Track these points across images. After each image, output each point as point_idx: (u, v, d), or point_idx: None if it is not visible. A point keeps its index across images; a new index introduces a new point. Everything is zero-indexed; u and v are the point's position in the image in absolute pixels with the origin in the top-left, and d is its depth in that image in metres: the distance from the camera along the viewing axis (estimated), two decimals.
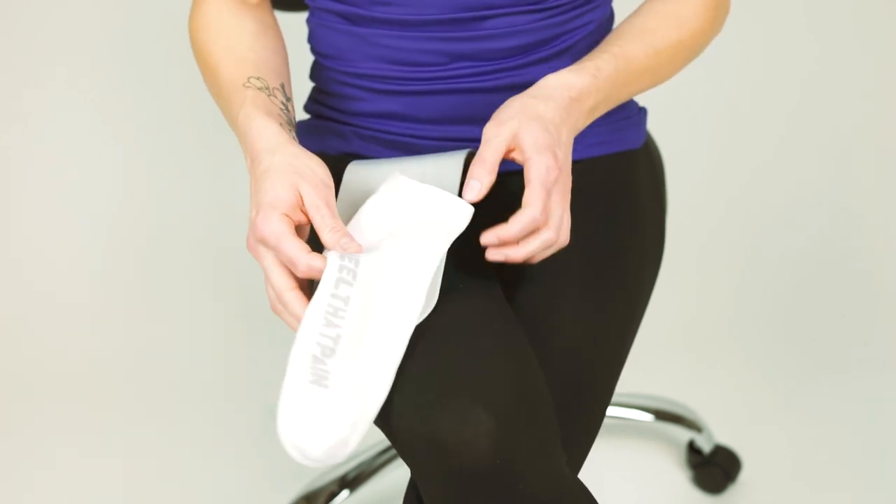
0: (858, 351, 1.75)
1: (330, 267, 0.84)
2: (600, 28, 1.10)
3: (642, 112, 1.17)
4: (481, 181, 0.88)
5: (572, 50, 1.06)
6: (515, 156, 0.90)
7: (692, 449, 1.51)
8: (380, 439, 1.41)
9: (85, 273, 1.92)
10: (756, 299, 1.86)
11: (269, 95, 0.98)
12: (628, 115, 1.14)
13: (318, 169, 0.90)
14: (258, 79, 0.99)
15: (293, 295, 0.87)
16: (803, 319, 1.82)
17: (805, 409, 1.63)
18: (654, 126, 1.25)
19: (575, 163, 1.08)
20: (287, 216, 0.86)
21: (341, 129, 1.11)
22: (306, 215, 0.88)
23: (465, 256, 0.95)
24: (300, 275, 0.85)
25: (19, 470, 1.57)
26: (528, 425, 0.83)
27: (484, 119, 1.05)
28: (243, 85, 0.99)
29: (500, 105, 0.93)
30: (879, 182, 2.00)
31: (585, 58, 0.99)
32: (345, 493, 1.40)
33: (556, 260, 0.98)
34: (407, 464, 0.88)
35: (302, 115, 1.21)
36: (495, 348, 0.86)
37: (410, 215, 0.90)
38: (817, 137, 2.03)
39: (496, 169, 0.89)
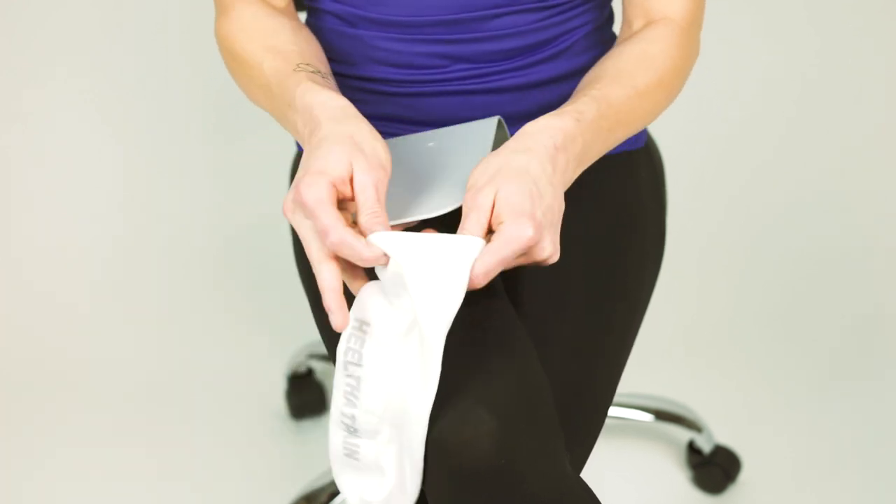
0: (858, 351, 1.75)
1: (340, 346, 0.83)
2: (599, 28, 1.10)
3: None
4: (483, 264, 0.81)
5: (571, 50, 1.06)
6: (493, 222, 0.82)
7: (692, 449, 1.51)
8: None
9: (85, 273, 1.92)
10: (756, 300, 1.86)
11: (323, 78, 0.94)
12: None
13: (378, 148, 0.85)
14: (307, 64, 0.95)
15: (324, 268, 0.82)
16: (803, 320, 1.82)
17: (805, 409, 1.63)
18: (654, 126, 1.25)
19: None
20: (333, 185, 0.81)
21: None
22: (353, 192, 0.83)
23: None
24: (328, 248, 0.81)
25: (19, 470, 1.57)
26: (530, 425, 0.83)
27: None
28: (294, 71, 0.94)
29: (479, 164, 0.86)
30: (880, 183, 2.00)
31: (565, 104, 0.93)
32: None
33: (557, 261, 0.99)
34: None
35: None
36: (497, 348, 0.86)
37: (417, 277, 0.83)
38: (818, 138, 2.02)
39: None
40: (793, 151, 2.03)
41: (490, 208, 0.82)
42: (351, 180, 0.83)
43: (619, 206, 1.08)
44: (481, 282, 0.80)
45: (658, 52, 1.01)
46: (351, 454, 0.84)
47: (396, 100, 1.06)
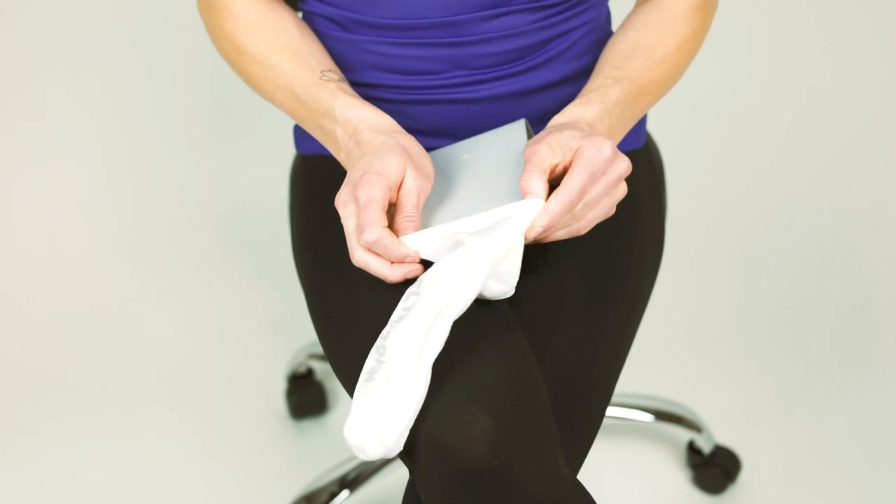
0: (858, 352, 1.75)
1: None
2: (598, 29, 1.09)
3: None
4: (534, 184, 0.87)
5: (570, 52, 1.06)
6: (564, 160, 0.88)
7: (692, 449, 1.51)
8: None
9: (84, 273, 1.92)
10: (757, 300, 1.86)
11: (348, 85, 1.01)
12: None
13: (426, 161, 0.92)
14: (331, 71, 1.01)
15: (360, 254, 0.89)
16: (804, 320, 1.82)
17: (805, 409, 1.63)
18: (654, 127, 1.25)
19: None
20: (388, 188, 0.88)
21: None
22: (398, 196, 0.90)
23: None
24: (362, 242, 0.87)
25: (18, 470, 1.57)
26: (526, 426, 0.83)
27: (477, 131, 1.05)
28: (320, 79, 1.00)
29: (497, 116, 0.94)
30: (880, 183, 2.00)
31: (587, 87, 0.99)
32: (345, 493, 1.40)
33: (556, 260, 0.99)
34: (405, 464, 0.88)
35: None
36: (493, 349, 0.86)
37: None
38: (818, 138, 2.02)
39: (547, 172, 0.88)
40: (794, 152, 2.03)
41: (553, 147, 0.87)
42: (399, 185, 0.89)
43: (619, 207, 1.08)
44: (575, 201, 0.86)
45: (677, 18, 1.04)
46: (370, 376, 0.83)
47: (393, 107, 1.06)
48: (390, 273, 0.89)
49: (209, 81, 1.98)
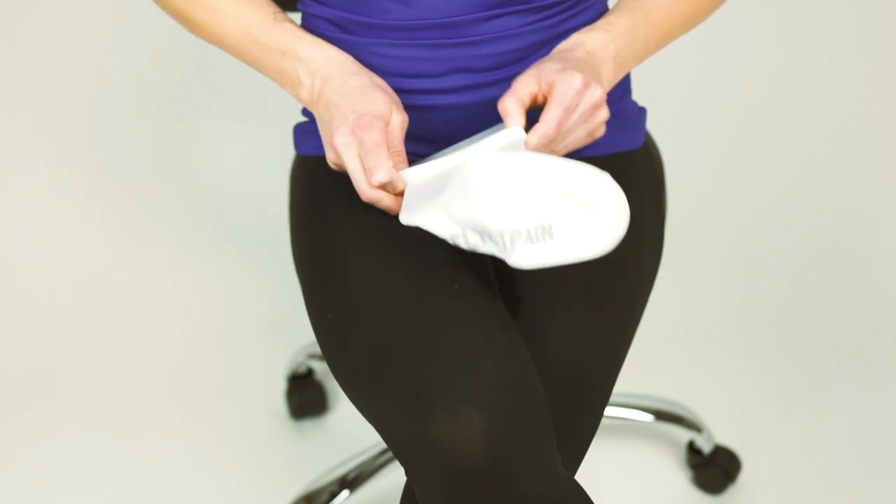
0: (858, 352, 1.75)
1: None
2: None
3: (642, 112, 1.17)
4: (514, 112, 0.91)
5: None
6: (544, 91, 0.92)
7: (692, 449, 1.51)
8: (380, 439, 1.41)
9: (83, 273, 1.92)
10: (757, 300, 1.86)
11: (300, 28, 1.03)
12: (627, 116, 1.14)
13: (397, 97, 0.98)
14: (280, 12, 1.04)
15: (370, 191, 0.94)
16: (804, 320, 1.82)
17: (805, 409, 1.63)
18: (654, 127, 1.25)
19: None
20: (384, 128, 0.93)
21: None
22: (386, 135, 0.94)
23: (460, 256, 0.95)
24: (375, 182, 0.92)
25: (18, 470, 1.57)
26: (522, 425, 0.83)
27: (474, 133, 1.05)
28: (275, 20, 1.03)
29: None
30: (880, 183, 2.00)
31: (601, 17, 1.02)
32: (345, 493, 1.40)
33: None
34: (401, 464, 0.88)
35: (299, 118, 1.21)
36: (489, 348, 0.85)
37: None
38: (818, 138, 2.03)
39: (525, 101, 0.92)
40: (794, 152, 2.03)
41: (535, 77, 0.92)
42: (387, 123, 0.94)
43: None
44: (553, 134, 0.90)
45: None
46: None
47: None
48: (397, 205, 0.95)
49: (209, 82, 1.98)
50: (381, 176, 0.92)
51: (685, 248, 1.87)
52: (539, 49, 1.04)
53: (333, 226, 1.05)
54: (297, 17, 1.18)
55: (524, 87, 0.92)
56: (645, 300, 1.08)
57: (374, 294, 0.95)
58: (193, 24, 1.08)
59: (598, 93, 0.92)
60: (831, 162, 2.02)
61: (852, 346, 1.76)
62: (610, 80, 0.99)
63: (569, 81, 0.91)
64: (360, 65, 1.00)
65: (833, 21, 2.02)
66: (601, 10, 1.11)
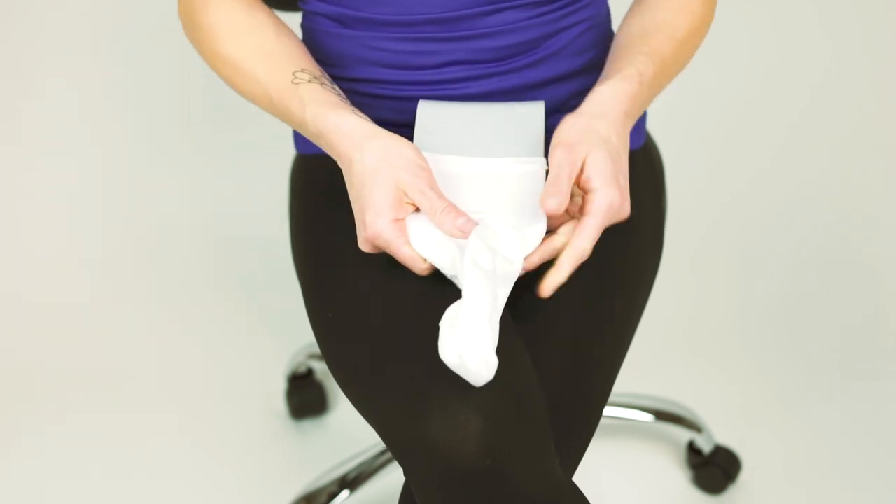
0: (858, 352, 1.75)
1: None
2: (597, 27, 1.09)
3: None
4: (559, 201, 0.87)
5: (569, 48, 1.06)
6: (580, 180, 0.90)
7: (692, 449, 1.51)
8: (380, 439, 1.41)
9: (83, 273, 1.92)
10: (757, 300, 1.86)
11: (321, 85, 0.98)
12: None
13: (409, 153, 0.91)
14: (302, 71, 0.99)
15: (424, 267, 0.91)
16: (804, 320, 1.81)
17: (805, 409, 1.63)
18: (654, 127, 1.25)
19: None
20: (395, 220, 0.89)
21: None
22: (413, 204, 0.90)
23: None
24: (419, 273, 0.90)
25: (18, 470, 1.57)
26: (519, 426, 0.83)
27: None
28: (292, 83, 0.98)
29: (560, 124, 0.92)
30: (880, 183, 2.00)
31: (625, 62, 0.98)
32: (345, 493, 1.40)
33: (554, 261, 0.98)
34: (399, 465, 0.88)
35: None
36: None
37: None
38: (818, 138, 2.02)
39: (569, 195, 0.88)
40: (793, 152, 2.03)
41: (581, 165, 0.89)
42: (405, 196, 0.89)
43: None
44: (589, 251, 0.89)
45: (689, 0, 1.05)
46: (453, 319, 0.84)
47: (391, 103, 1.05)
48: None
49: (208, 81, 1.98)
50: (418, 270, 0.90)
51: (685, 248, 1.87)
52: (539, 44, 1.04)
53: (333, 225, 1.05)
54: (297, 16, 1.18)
55: (566, 185, 0.88)
56: (644, 300, 1.08)
57: (373, 294, 0.95)
58: (228, 82, 1.05)
59: (626, 212, 0.91)
60: (831, 162, 2.02)
61: (852, 346, 1.76)
62: (627, 135, 0.97)
63: (610, 199, 0.88)
64: (367, 129, 0.94)
65: (833, 21, 2.01)
66: (602, 8, 1.11)
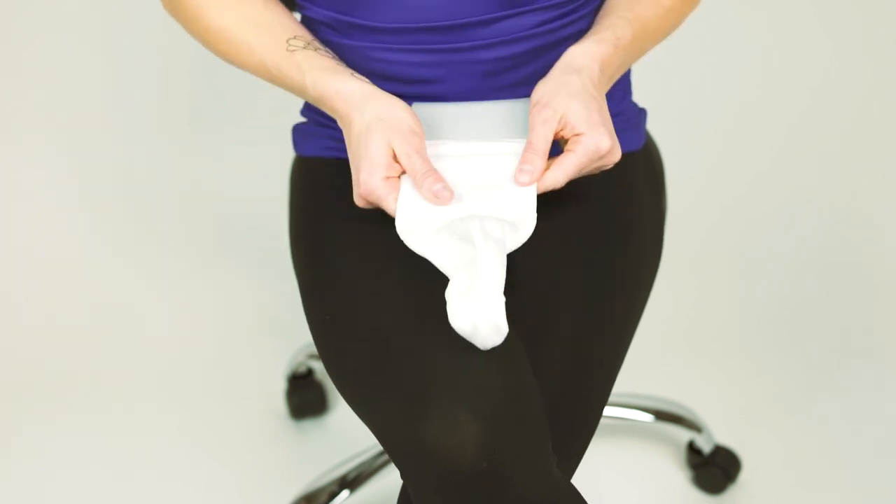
0: (858, 352, 1.75)
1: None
2: None
3: (641, 114, 1.17)
4: (534, 165, 0.91)
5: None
6: (564, 134, 0.92)
7: (692, 449, 1.51)
8: None
9: (83, 273, 1.92)
10: (757, 300, 1.86)
11: (315, 51, 1.00)
12: (627, 118, 1.13)
13: (405, 117, 0.93)
14: (296, 38, 1.00)
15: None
16: (804, 320, 1.82)
17: (805, 409, 1.63)
18: (654, 127, 1.25)
19: None
20: (387, 178, 0.91)
21: (337, 135, 1.11)
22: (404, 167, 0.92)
23: None
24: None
25: (18, 470, 1.57)
26: (517, 428, 0.83)
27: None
28: (287, 50, 0.99)
29: (538, 85, 0.95)
30: (880, 184, 2.00)
31: (603, 25, 1.00)
32: (345, 493, 1.40)
33: (553, 262, 0.98)
34: (397, 467, 0.87)
35: (299, 119, 1.21)
36: (484, 351, 0.85)
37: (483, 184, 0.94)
38: (818, 139, 2.02)
39: (546, 155, 0.91)
40: (793, 152, 2.03)
41: (556, 122, 0.91)
42: (394, 156, 0.91)
43: (617, 208, 1.08)
44: (561, 184, 0.91)
45: None
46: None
47: None
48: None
49: (209, 80, 1.98)
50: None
51: (685, 248, 1.87)
52: (546, 52, 1.03)
53: (332, 227, 1.05)
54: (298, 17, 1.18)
55: (548, 136, 0.91)
56: (644, 301, 1.08)
57: (371, 295, 0.95)
58: (221, 56, 1.06)
59: (615, 157, 0.93)
60: (831, 163, 2.02)
61: (852, 347, 1.76)
62: (603, 97, 0.98)
63: (598, 141, 0.91)
64: (364, 91, 0.96)
65: (833, 21, 2.02)
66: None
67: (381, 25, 1.01)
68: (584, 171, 0.93)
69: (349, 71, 0.98)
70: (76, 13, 1.95)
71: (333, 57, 1.00)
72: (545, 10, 1.01)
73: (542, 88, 0.94)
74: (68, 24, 1.96)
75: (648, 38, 1.03)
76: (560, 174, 0.91)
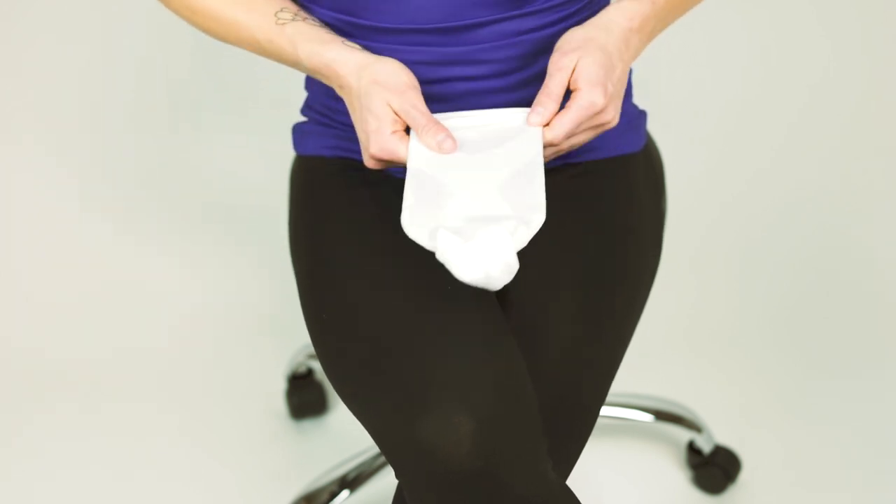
0: (858, 352, 1.75)
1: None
2: None
3: (642, 115, 1.17)
4: (546, 108, 0.91)
5: None
6: (572, 86, 0.92)
7: (692, 449, 1.51)
8: None
9: (83, 272, 1.92)
10: (757, 300, 1.86)
11: (304, 21, 1.00)
12: (628, 119, 1.13)
13: (400, 73, 0.94)
14: (283, 11, 1.01)
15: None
16: (804, 320, 1.82)
17: (805, 409, 1.63)
18: (654, 127, 1.25)
19: (572, 165, 1.08)
20: (394, 132, 0.91)
21: (338, 133, 1.11)
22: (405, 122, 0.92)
23: None
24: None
25: (18, 470, 1.57)
26: (512, 428, 0.83)
27: None
28: (276, 24, 1.00)
29: (565, 34, 0.96)
30: (881, 183, 2.00)
31: None
32: (345, 493, 1.40)
33: (552, 262, 0.98)
34: (392, 466, 0.88)
35: (299, 118, 1.21)
36: (480, 351, 0.85)
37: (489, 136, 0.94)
38: (818, 138, 2.02)
39: (560, 99, 0.92)
40: (793, 151, 2.03)
41: (572, 71, 0.92)
42: (394, 113, 0.92)
43: (616, 209, 1.08)
44: (561, 140, 0.92)
45: None
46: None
47: None
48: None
49: (209, 80, 1.98)
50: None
51: (685, 248, 1.87)
52: (545, 54, 1.03)
53: (331, 226, 1.05)
54: None
55: (560, 88, 0.92)
56: (643, 301, 1.08)
57: (369, 295, 0.95)
58: (209, 33, 1.07)
59: (609, 117, 0.93)
60: (831, 162, 2.02)
61: (852, 346, 1.76)
62: (635, 56, 1.00)
63: (592, 98, 0.91)
64: (359, 59, 0.97)
65: (833, 21, 2.01)
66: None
67: (384, 26, 1.01)
68: (582, 130, 0.93)
69: (340, 39, 0.99)
70: (76, 11, 1.95)
71: (322, 26, 1.01)
72: (546, 12, 1.01)
73: (568, 37, 0.95)
74: (68, 22, 1.95)
75: (682, 4, 1.04)
76: (558, 129, 0.91)
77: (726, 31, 1.99)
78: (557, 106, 0.92)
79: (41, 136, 1.99)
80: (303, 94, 1.19)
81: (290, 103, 1.33)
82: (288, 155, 1.42)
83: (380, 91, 0.92)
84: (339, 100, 1.08)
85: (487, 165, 0.90)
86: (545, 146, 0.92)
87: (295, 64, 1.00)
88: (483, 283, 0.80)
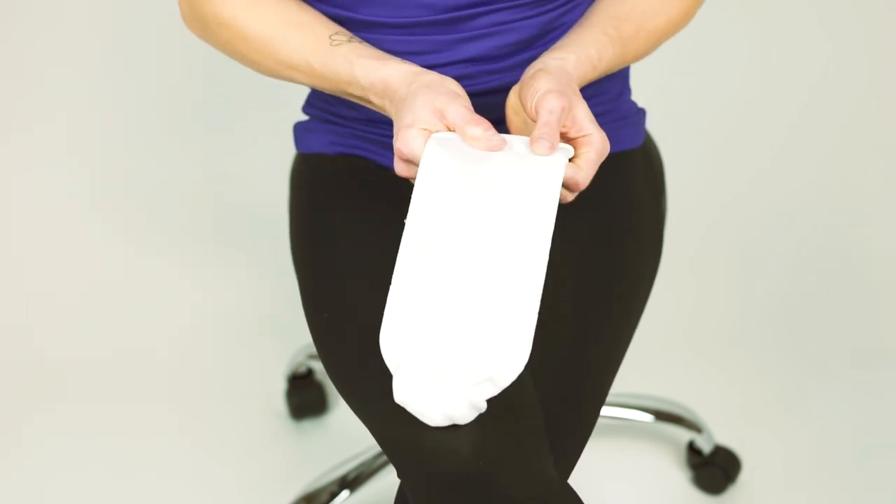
0: (858, 352, 1.75)
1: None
2: None
3: (640, 112, 1.17)
4: (551, 140, 0.87)
5: None
6: (570, 133, 0.90)
7: (692, 449, 1.51)
8: None
9: (83, 272, 1.92)
10: (757, 300, 1.86)
11: (360, 43, 0.99)
12: (626, 116, 1.13)
13: (450, 84, 0.91)
14: (337, 33, 0.99)
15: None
16: (804, 320, 1.81)
17: (805, 409, 1.63)
18: (654, 126, 1.25)
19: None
20: (425, 129, 0.88)
21: (340, 130, 1.11)
22: (447, 128, 0.89)
23: None
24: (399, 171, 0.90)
25: (18, 470, 1.57)
26: (512, 428, 0.83)
27: None
28: (331, 45, 0.98)
29: (543, 66, 0.93)
30: (881, 184, 2.00)
31: (587, 41, 0.98)
32: (345, 493, 1.40)
33: (552, 261, 0.98)
34: (394, 465, 0.88)
35: (300, 116, 1.21)
36: None
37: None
38: (818, 138, 2.02)
39: (559, 132, 0.89)
40: (793, 152, 2.03)
41: (569, 112, 0.89)
42: (442, 116, 0.88)
43: (615, 207, 1.08)
44: (586, 184, 0.90)
45: None
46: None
47: None
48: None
49: (210, 80, 1.98)
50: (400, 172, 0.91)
51: (685, 248, 1.87)
52: (537, 42, 1.03)
53: (332, 225, 1.05)
54: None
55: (560, 121, 0.89)
56: (644, 301, 1.08)
57: (370, 294, 0.94)
58: (251, 63, 1.04)
59: (607, 152, 0.91)
60: (831, 162, 2.02)
61: (852, 346, 1.76)
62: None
63: (604, 144, 0.90)
64: (414, 71, 0.95)
65: (832, 21, 2.01)
66: None
67: (377, 19, 1.01)
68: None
69: (395, 58, 0.97)
70: (76, 11, 1.95)
71: (376, 49, 0.99)
72: (538, 4, 1.02)
73: (560, 72, 0.93)
74: (68, 22, 1.95)
75: (628, 55, 1.02)
76: (590, 172, 0.89)
77: (726, 31, 1.99)
78: (558, 137, 0.88)
79: (41, 137, 1.99)
80: (303, 95, 1.19)
81: (291, 103, 1.33)
82: (288, 155, 1.42)
83: (427, 93, 0.90)
84: (341, 104, 1.08)
85: (490, 225, 0.85)
86: (572, 188, 0.89)
87: (348, 84, 0.97)
88: (447, 423, 0.79)
